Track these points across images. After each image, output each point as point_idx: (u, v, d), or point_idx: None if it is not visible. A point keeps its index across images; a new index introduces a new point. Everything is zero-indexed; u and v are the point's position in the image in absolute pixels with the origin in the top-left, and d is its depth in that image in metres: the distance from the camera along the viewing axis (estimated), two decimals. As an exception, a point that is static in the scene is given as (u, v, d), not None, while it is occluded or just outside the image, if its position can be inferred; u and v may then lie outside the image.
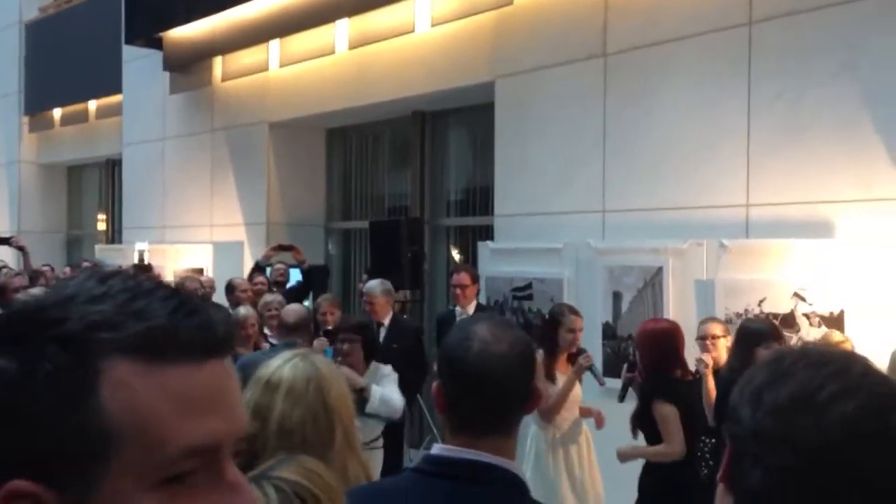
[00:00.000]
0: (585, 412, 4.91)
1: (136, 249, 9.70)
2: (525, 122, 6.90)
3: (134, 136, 11.53)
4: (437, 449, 1.47)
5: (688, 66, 5.82)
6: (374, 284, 6.19)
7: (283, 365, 1.87)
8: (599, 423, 4.87)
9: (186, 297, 0.68)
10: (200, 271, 9.04)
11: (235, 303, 6.96)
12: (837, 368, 0.90)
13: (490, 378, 1.41)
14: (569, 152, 6.54)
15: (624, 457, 4.48)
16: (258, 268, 8.41)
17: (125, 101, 11.70)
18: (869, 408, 0.87)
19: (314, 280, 8.10)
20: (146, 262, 9.19)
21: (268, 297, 6.59)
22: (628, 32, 6.20)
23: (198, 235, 10.09)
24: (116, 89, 11.77)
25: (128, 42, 10.63)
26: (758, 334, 4.15)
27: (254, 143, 9.61)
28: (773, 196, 5.31)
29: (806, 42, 5.20)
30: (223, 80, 10.04)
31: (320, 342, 5.83)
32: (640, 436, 4.44)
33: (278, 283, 7.94)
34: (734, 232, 5.40)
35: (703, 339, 4.50)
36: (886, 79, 4.83)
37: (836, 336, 4.31)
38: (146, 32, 10.20)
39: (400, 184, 9.19)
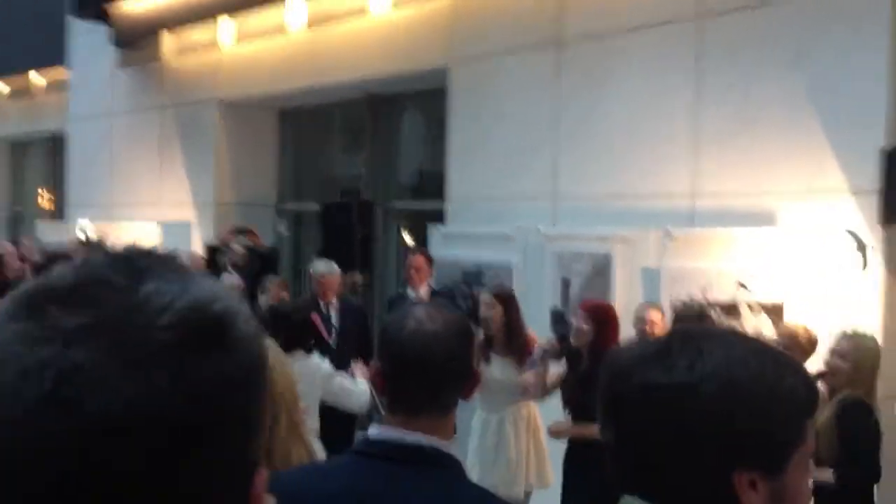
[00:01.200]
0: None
1: (78, 226, 9.48)
2: (479, 108, 6.90)
3: (80, 112, 11.24)
4: (374, 430, 1.47)
5: (640, 56, 5.88)
6: (323, 265, 6.18)
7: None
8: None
9: None
10: (147, 251, 8.86)
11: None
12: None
13: (422, 356, 1.43)
14: (521, 139, 6.56)
15: (558, 434, 4.51)
16: (212, 250, 8.31)
17: (71, 75, 11.40)
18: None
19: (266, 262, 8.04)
20: (92, 239, 9.00)
21: (226, 279, 6.53)
22: (583, 21, 6.23)
23: (145, 214, 9.90)
24: (60, 61, 11.45)
25: (75, 15, 10.35)
26: (684, 319, 4.25)
27: (204, 122, 9.45)
28: (719, 186, 5.40)
29: (756, 36, 5.29)
30: (173, 56, 9.84)
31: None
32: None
33: (237, 266, 7.87)
34: (681, 220, 5.49)
35: (641, 325, 4.56)
36: (833, 73, 4.93)
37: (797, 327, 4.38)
38: (93, 4, 9.93)
39: (352, 166, 9.13)
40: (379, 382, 1.49)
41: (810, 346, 4.14)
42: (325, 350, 5.91)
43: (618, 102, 5.97)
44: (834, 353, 3.59)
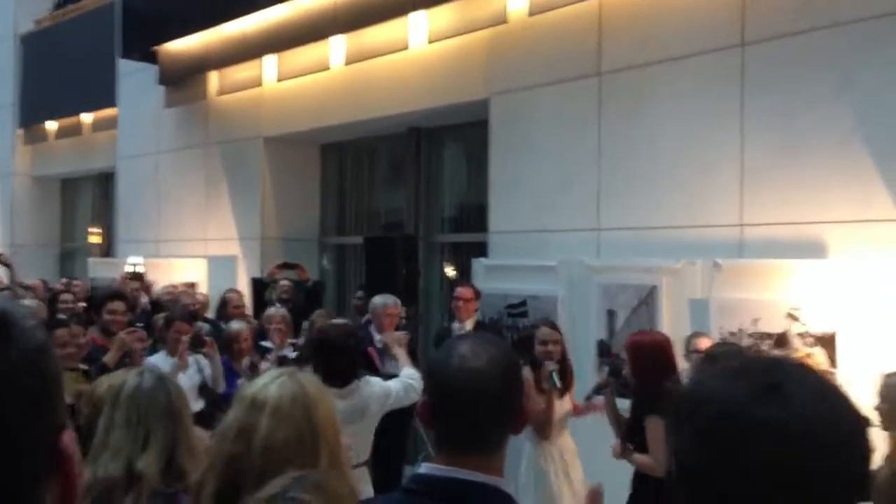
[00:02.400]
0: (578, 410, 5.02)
1: (130, 263, 9.68)
2: (520, 140, 6.93)
3: (128, 150, 11.52)
4: (424, 468, 1.47)
5: (682, 86, 5.86)
6: (381, 298, 6.23)
7: (269, 383, 1.84)
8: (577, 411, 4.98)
9: None
10: (194, 285, 9.03)
11: (228, 318, 6.97)
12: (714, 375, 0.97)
13: (466, 393, 1.42)
14: (563, 170, 6.56)
15: (620, 455, 4.42)
16: (260, 284, 8.43)
17: (120, 114, 11.70)
18: (729, 407, 0.90)
19: (311, 296, 8.13)
20: (139, 272, 9.18)
21: (271, 310, 6.62)
22: (622, 52, 6.23)
23: (192, 249, 10.08)
24: (111, 102, 11.77)
25: (123, 56, 10.64)
26: (712, 357, 4.17)
27: (248, 158, 9.62)
28: (767, 216, 5.33)
29: (799, 63, 5.24)
30: (218, 94, 10.05)
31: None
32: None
33: (283, 301, 7.98)
34: (728, 251, 5.42)
35: (692, 353, 4.49)
36: (880, 100, 4.87)
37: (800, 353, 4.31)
38: (141, 46, 10.21)
39: (395, 200, 9.19)
40: (425, 418, 1.48)
41: None
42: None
43: (661, 132, 5.94)
44: (877, 394, 3.48)
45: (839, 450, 0.88)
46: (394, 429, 5.33)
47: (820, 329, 4.75)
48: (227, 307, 7.20)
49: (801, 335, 4.81)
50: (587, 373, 5.57)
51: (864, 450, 0.91)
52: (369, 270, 7.81)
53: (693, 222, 5.69)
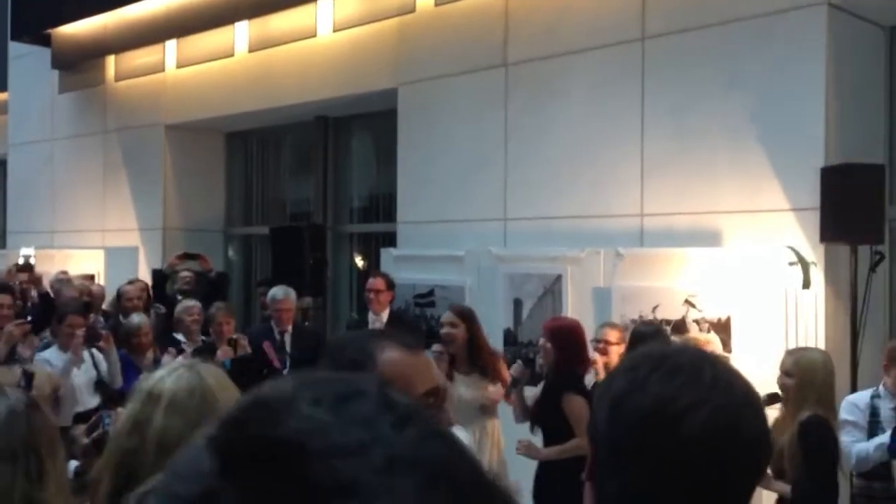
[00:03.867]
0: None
1: (22, 254, 9.23)
2: (427, 130, 6.93)
3: (20, 137, 10.98)
4: None
5: (585, 78, 5.96)
6: (280, 291, 6.10)
7: (166, 376, 1.78)
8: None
9: None
10: (92, 277, 8.68)
11: (125, 311, 6.74)
12: (688, 378, 0.95)
13: None
14: (471, 160, 6.59)
15: (535, 455, 4.46)
16: (161, 276, 8.17)
17: (10, 99, 11.14)
18: (715, 418, 0.92)
19: (215, 288, 7.94)
20: (29, 264, 8.76)
21: (188, 302, 6.40)
22: (528, 43, 6.30)
23: (89, 241, 9.69)
24: (0, 87, 11.19)
25: (14, 38, 10.13)
26: (642, 336, 4.29)
27: (149, 146, 9.31)
28: (666, 206, 5.49)
29: (695, 58, 5.40)
30: (116, 79, 9.68)
31: (224, 351, 5.71)
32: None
33: (184, 292, 7.75)
34: (630, 241, 5.56)
35: (598, 343, 4.59)
36: (771, 94, 5.06)
37: (699, 339, 4.47)
38: (34, 29, 9.74)
39: (302, 189, 9.06)
40: None
41: None
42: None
43: (565, 124, 6.04)
44: (781, 372, 3.66)
45: (762, 424, 0.97)
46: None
47: (715, 315, 4.93)
48: (121, 300, 6.95)
49: (697, 321, 4.98)
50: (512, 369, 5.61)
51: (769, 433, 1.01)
52: (276, 261, 7.67)
53: (596, 212, 5.81)
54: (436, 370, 2.63)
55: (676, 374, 0.95)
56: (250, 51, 8.27)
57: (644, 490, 0.93)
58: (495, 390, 4.75)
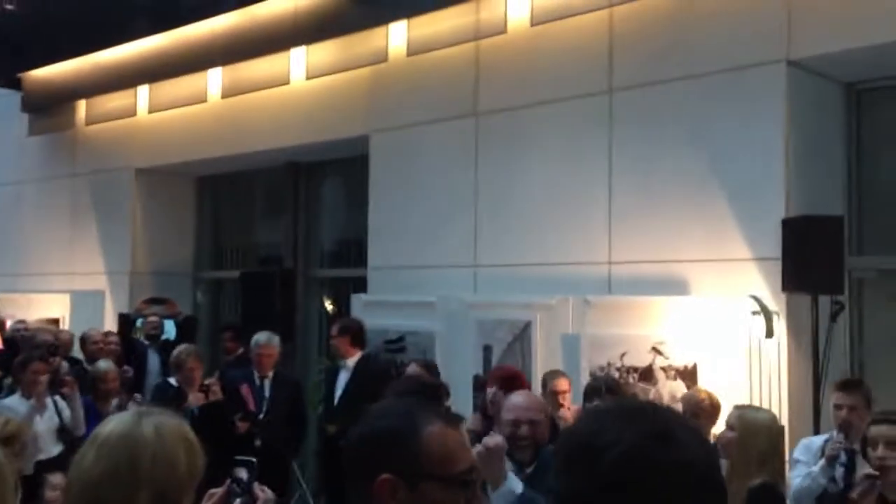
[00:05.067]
0: None
1: (-14, 298, 9.08)
2: (399, 176, 7.00)
3: (-13, 179, 10.88)
4: None
5: (555, 128, 6.09)
6: (263, 336, 6.10)
7: (116, 419, 1.80)
8: None
9: None
10: (56, 322, 8.56)
11: (91, 356, 6.66)
12: (616, 417, 1.02)
13: None
14: (441, 207, 6.67)
15: None
16: (126, 320, 8.10)
17: (-22, 141, 11.05)
18: (631, 450, 0.97)
19: (183, 331, 7.89)
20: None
21: (183, 347, 6.30)
22: (499, 93, 6.43)
23: (55, 284, 9.57)
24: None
25: (-17, 80, 10.09)
26: (593, 390, 4.34)
27: (118, 189, 9.28)
28: (633, 254, 5.58)
29: (661, 111, 5.55)
30: (87, 123, 9.68)
31: (196, 397, 5.65)
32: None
33: (151, 337, 7.68)
34: (598, 288, 5.64)
35: (550, 393, 4.62)
36: (733, 146, 5.21)
37: (700, 393, 4.51)
38: (5, 72, 9.72)
39: (273, 234, 9.07)
40: None
41: (714, 410, 4.26)
42: (253, 423, 5.81)
43: (535, 172, 6.15)
44: (726, 425, 3.68)
45: (717, 485, 1.01)
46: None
47: (681, 362, 5.00)
48: (88, 344, 6.88)
49: (664, 368, 5.04)
50: (464, 407, 5.62)
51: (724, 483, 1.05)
52: (245, 305, 7.65)
53: (565, 260, 5.89)
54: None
55: (600, 416, 1.03)
56: (223, 96, 8.33)
57: None
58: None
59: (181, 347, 6.20)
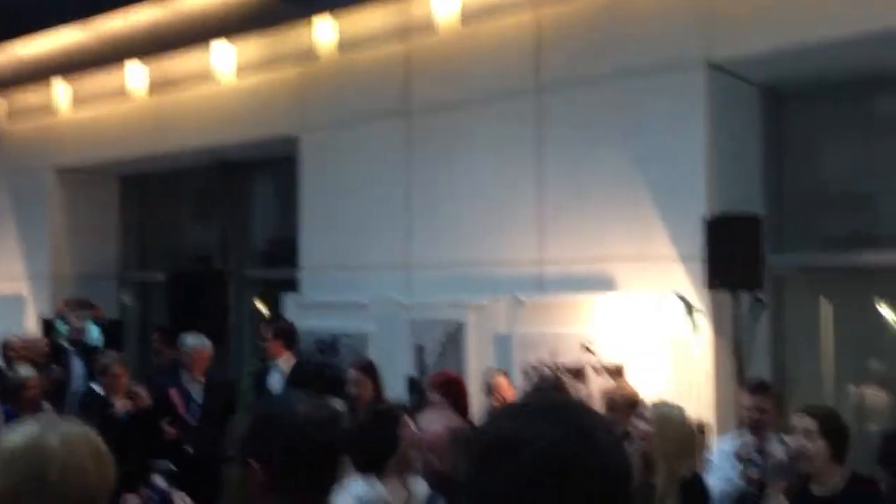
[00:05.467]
0: None
1: None
2: (330, 176, 6.94)
3: None
4: None
5: (485, 127, 6.11)
6: (192, 338, 5.98)
7: (18, 429, 1.73)
8: None
9: None
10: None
11: (9, 362, 6.44)
12: (530, 416, 1.02)
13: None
14: (374, 207, 6.63)
15: None
16: (48, 325, 7.84)
17: None
18: (550, 449, 0.98)
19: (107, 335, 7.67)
20: None
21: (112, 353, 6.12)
22: (430, 92, 6.42)
23: (-28, 288, 9.22)
24: None
25: None
26: (540, 389, 4.39)
27: (39, 189, 8.97)
28: (563, 253, 5.65)
29: (590, 109, 5.62)
30: (6, 120, 9.32)
31: (123, 403, 5.50)
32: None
33: (75, 342, 7.45)
34: (530, 287, 5.69)
35: (490, 391, 4.66)
36: (658, 147, 5.31)
37: (617, 387, 4.60)
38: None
39: (202, 234, 8.90)
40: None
41: (631, 404, 4.33)
42: (182, 428, 5.69)
43: (467, 172, 6.16)
44: (640, 418, 3.76)
45: (626, 483, 1.03)
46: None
47: (610, 359, 5.09)
48: (8, 350, 6.65)
49: (593, 366, 5.13)
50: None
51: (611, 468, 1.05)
52: (173, 307, 7.48)
53: (497, 259, 5.93)
54: None
55: (520, 413, 1.02)
56: (148, 94, 8.11)
57: None
58: None
59: (105, 354, 6.04)
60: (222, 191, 8.43)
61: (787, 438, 3.44)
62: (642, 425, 3.66)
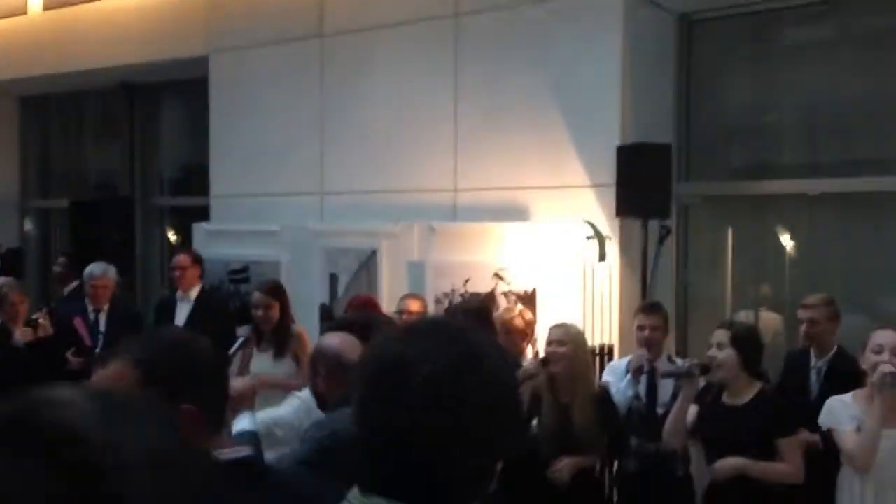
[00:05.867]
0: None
1: None
2: (241, 100, 6.71)
3: None
4: None
5: (400, 52, 5.97)
6: (97, 267, 5.76)
7: None
8: None
9: None
10: None
11: None
12: (418, 337, 1.02)
13: None
14: (286, 133, 6.46)
15: None
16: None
17: None
18: (438, 371, 0.96)
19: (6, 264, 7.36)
20: None
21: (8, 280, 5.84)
22: (344, 15, 6.22)
23: None
24: None
25: None
26: (468, 311, 4.40)
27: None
28: (477, 181, 5.62)
29: (505, 36, 5.54)
30: None
31: (23, 332, 5.29)
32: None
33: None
34: (443, 215, 5.66)
35: (401, 314, 4.65)
36: (572, 75, 5.28)
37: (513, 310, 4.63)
38: None
39: (107, 160, 8.53)
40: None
41: (527, 327, 4.41)
42: (88, 358, 5.52)
43: (380, 97, 6.03)
44: (551, 342, 3.85)
45: (514, 402, 1.06)
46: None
47: (522, 287, 5.13)
48: None
49: (505, 294, 5.17)
50: (312, 337, 5.57)
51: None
52: (76, 236, 7.20)
53: (411, 187, 5.87)
54: None
55: (409, 335, 1.01)
56: (45, 9, 7.64)
57: (376, 457, 0.98)
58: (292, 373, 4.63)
59: (1, 281, 5.79)
60: (128, 114, 8.07)
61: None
62: (560, 349, 3.75)
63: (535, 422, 3.67)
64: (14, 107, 8.89)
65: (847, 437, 3.34)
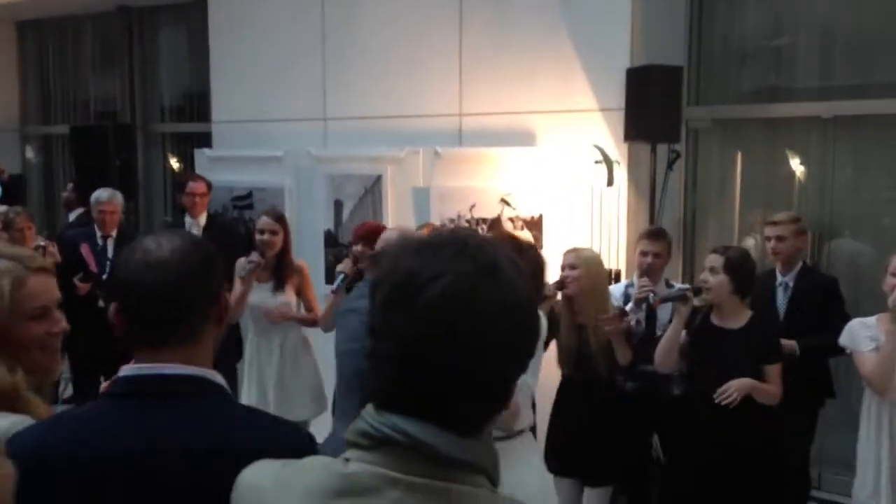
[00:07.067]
0: None
1: None
2: (241, 23, 6.55)
3: None
4: (126, 370, 1.40)
5: (404, -28, 5.80)
6: (105, 193, 5.72)
7: None
8: None
9: None
10: None
11: None
12: (434, 252, 0.97)
13: (151, 287, 1.38)
14: (288, 56, 6.33)
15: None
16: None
17: None
18: (454, 286, 0.93)
19: (10, 191, 7.32)
20: None
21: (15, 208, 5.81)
22: (346, -67, 6.03)
23: None
24: None
25: None
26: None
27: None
28: (483, 106, 5.53)
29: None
30: None
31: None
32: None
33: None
34: (449, 140, 5.59)
35: None
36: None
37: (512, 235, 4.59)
38: None
39: (107, 86, 8.40)
40: (117, 322, 1.41)
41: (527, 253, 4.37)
42: (96, 284, 5.53)
43: (384, 20, 5.89)
44: (565, 266, 3.84)
45: (531, 316, 0.99)
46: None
47: (528, 213, 5.09)
48: None
49: (512, 219, 5.13)
50: (317, 263, 5.58)
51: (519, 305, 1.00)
52: (78, 162, 7.14)
53: (416, 111, 5.77)
54: None
55: (424, 251, 0.97)
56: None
57: (392, 374, 0.95)
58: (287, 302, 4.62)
59: (8, 207, 5.75)
60: (127, 39, 7.91)
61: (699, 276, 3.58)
62: (573, 272, 3.75)
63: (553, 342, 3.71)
64: (11, 32, 8.71)
65: (865, 359, 3.36)
